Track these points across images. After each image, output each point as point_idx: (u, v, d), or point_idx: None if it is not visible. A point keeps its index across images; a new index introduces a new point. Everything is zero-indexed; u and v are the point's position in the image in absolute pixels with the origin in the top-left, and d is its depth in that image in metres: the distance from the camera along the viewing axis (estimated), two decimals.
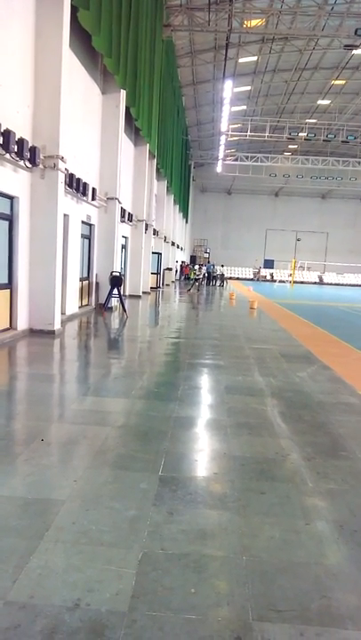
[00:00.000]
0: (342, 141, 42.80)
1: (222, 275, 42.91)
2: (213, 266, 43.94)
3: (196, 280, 33.65)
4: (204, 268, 42.57)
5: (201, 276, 36.27)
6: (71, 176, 12.75)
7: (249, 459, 4.81)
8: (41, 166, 10.61)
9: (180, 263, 46.74)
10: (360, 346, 12.14)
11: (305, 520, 3.70)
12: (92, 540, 3.27)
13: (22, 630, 2.48)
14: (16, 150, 9.55)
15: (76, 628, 2.49)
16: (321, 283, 66.10)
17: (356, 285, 64.83)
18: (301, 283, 62.77)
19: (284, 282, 58.83)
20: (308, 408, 6.69)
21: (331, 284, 64.85)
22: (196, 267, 45.47)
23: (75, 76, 13.25)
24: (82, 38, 13.46)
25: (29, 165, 10.34)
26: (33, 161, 10.24)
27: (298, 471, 4.59)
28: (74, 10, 11.56)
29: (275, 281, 60.96)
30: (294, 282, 55.96)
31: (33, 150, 10.19)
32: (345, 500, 4.07)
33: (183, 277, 45.99)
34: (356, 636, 2.58)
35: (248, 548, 3.29)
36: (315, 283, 65.74)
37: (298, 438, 5.48)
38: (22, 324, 10.76)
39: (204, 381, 8.05)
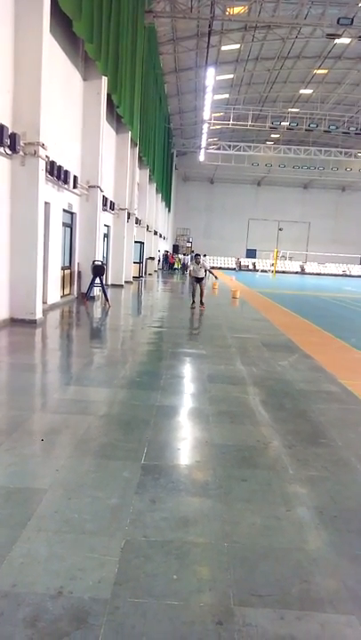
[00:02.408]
0: (324, 131, 42.97)
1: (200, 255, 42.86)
2: (198, 255, 43.93)
3: (184, 270, 32.74)
4: (187, 258, 42.57)
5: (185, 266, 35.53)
6: (52, 163, 12.60)
7: (231, 447, 4.85)
8: (21, 153, 10.47)
9: (162, 252, 46.62)
10: (341, 335, 12.26)
11: (286, 506, 3.75)
12: (75, 528, 3.28)
13: (5, 618, 2.48)
14: None
15: (58, 616, 2.50)
16: (303, 272, 66.48)
17: (338, 275, 65.34)
18: (283, 272, 63.06)
19: (266, 271, 59.05)
20: (290, 396, 6.75)
21: (312, 274, 65.25)
22: (181, 256, 45.34)
23: (55, 62, 13.06)
24: (62, 23, 13.25)
25: (9, 152, 10.19)
26: (13, 148, 10.09)
27: (279, 459, 4.64)
28: None
29: (257, 271, 61.16)
30: (276, 272, 56.20)
31: (13, 137, 10.04)
32: (325, 486, 4.13)
33: (167, 267, 45.86)
34: (336, 619, 2.63)
35: (230, 535, 3.33)
36: (296, 272, 66.09)
37: (279, 426, 5.53)
38: (3, 313, 10.66)
39: (187, 370, 8.07)
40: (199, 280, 15.98)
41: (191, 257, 42.36)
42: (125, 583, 2.78)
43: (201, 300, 15.89)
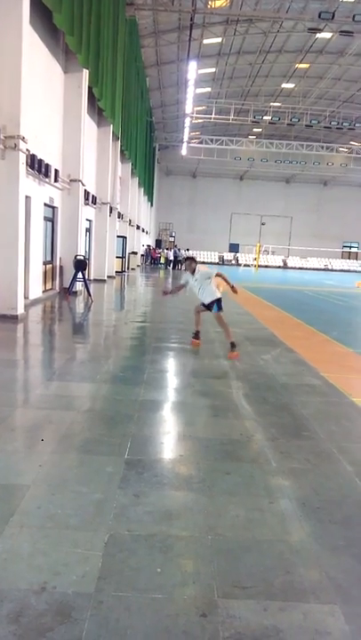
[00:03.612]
0: (306, 125, 43.12)
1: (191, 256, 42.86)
2: (179, 250, 43.84)
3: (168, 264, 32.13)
4: (170, 253, 42.52)
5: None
6: (33, 157, 12.47)
7: (214, 440, 4.87)
8: (1, 146, 10.34)
9: (145, 247, 46.49)
10: (323, 329, 12.35)
11: (269, 499, 3.78)
12: (58, 523, 3.27)
13: None
14: None
15: (42, 611, 2.50)
16: (285, 267, 66.83)
17: (319, 269, 65.78)
18: (266, 267, 63.30)
19: (248, 266, 59.22)
20: (273, 390, 6.79)
21: (295, 268, 65.62)
22: (165, 250, 45.23)
23: (36, 55, 12.90)
24: (43, 15, 13.09)
25: None
26: None
27: (262, 451, 4.67)
28: None
29: (240, 265, 61.31)
30: (259, 266, 56.40)
31: None
32: (308, 478, 4.16)
33: (150, 261, 45.72)
34: (318, 609, 2.66)
35: (213, 528, 3.34)
36: (279, 267, 66.41)
37: (262, 419, 5.56)
38: None
39: (170, 365, 8.07)
40: (211, 306, 8.67)
41: (174, 252, 42.18)
42: (109, 577, 2.78)
43: (231, 343, 8.50)
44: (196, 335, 9.17)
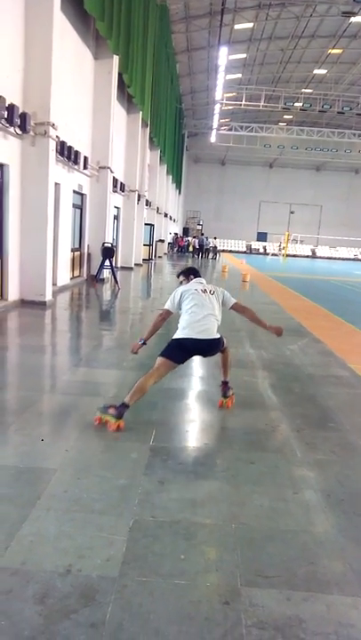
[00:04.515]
0: (338, 112, 42.24)
1: (215, 247, 42.72)
2: (207, 238, 43.68)
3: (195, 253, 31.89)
4: (196, 241, 42.37)
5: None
6: (62, 144, 12.52)
7: (239, 430, 4.86)
8: (31, 133, 10.40)
9: (173, 235, 46.42)
10: (351, 319, 12.19)
11: (293, 489, 3.76)
12: (84, 507, 3.31)
13: (14, 595, 2.52)
14: (6, 116, 9.34)
15: (67, 593, 2.54)
16: (314, 256, 66.00)
17: (349, 259, 64.80)
18: (294, 256, 62.61)
19: (276, 255, 58.68)
20: (299, 380, 6.75)
21: (323, 258, 64.76)
22: (191, 238, 45.12)
23: (66, 41, 12.90)
24: (74, 1, 13.07)
25: (19, 132, 10.13)
26: (23, 127, 10.03)
27: (287, 442, 4.65)
28: None
29: (267, 254, 60.80)
30: (287, 255, 55.85)
31: (23, 116, 9.97)
32: (333, 470, 4.13)
33: (177, 249, 45.67)
34: (341, 601, 2.65)
35: (237, 516, 3.35)
36: (307, 256, 65.59)
37: (288, 410, 5.53)
38: (13, 294, 10.69)
39: (195, 357, 8.06)
40: (211, 346, 5.06)
41: (199, 240, 41.87)
42: (133, 562, 2.81)
43: (225, 380, 5.61)
44: (225, 393, 5.53)
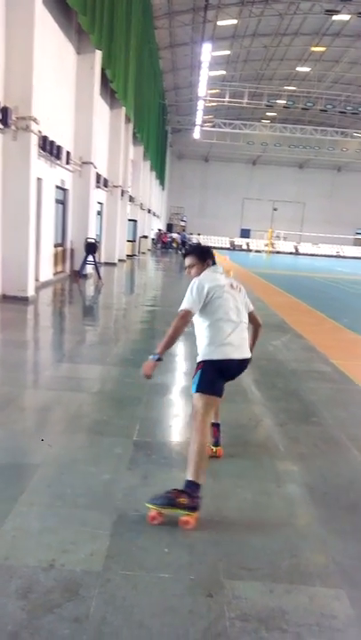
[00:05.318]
0: (321, 110, 42.53)
1: (199, 244, 42.74)
2: (190, 234, 43.64)
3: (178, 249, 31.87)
4: (178, 237, 42.37)
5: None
6: (44, 138, 12.42)
7: (223, 424, 4.84)
8: (13, 127, 10.29)
9: (156, 231, 46.31)
10: (333, 315, 12.29)
11: (276, 483, 3.79)
12: (67, 502, 3.30)
13: None
14: None
15: (50, 588, 2.53)
16: (297, 253, 66.30)
17: (331, 256, 65.24)
18: (277, 253, 62.84)
19: (260, 252, 58.88)
20: (282, 376, 6.78)
21: (306, 255, 65.08)
22: (175, 235, 45.07)
23: (48, 35, 12.78)
24: None
25: (1, 126, 10.02)
26: (5, 122, 9.93)
27: (270, 436, 4.68)
28: None
29: (251, 251, 60.98)
30: (270, 252, 56.06)
31: (4, 111, 9.87)
32: (316, 463, 4.16)
33: (160, 245, 45.60)
34: (324, 592, 2.67)
35: (221, 510, 3.36)
36: (291, 253, 65.87)
37: (271, 405, 5.56)
38: None
39: (180, 349, 8.07)
40: (229, 373, 3.60)
41: (182, 237, 41.82)
42: (117, 556, 2.80)
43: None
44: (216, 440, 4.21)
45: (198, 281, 3.56)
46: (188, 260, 3.83)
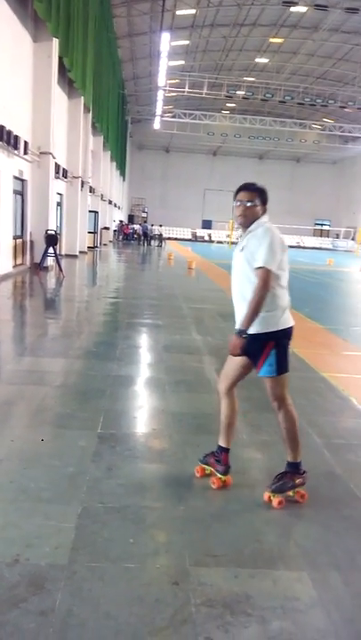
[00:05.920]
0: (280, 101, 42.87)
1: (160, 235, 42.67)
2: (152, 225, 43.49)
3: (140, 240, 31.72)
4: (140, 228, 42.20)
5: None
6: (1, 128, 12.16)
7: (187, 414, 4.91)
8: None
9: (118, 222, 45.98)
10: (294, 305, 12.21)
11: (241, 471, 3.83)
12: (31, 496, 3.27)
13: None
14: None
15: (15, 582, 2.51)
16: None
17: (292, 247, 66.00)
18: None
19: (221, 242, 59.15)
20: None
21: None
22: (137, 226, 44.85)
23: (3, 22, 12.47)
24: None
25: None
26: None
27: None
28: None
29: (212, 242, 61.20)
30: (232, 242, 56.36)
31: None
32: (277, 450, 4.22)
33: (122, 237, 45.30)
34: (287, 575, 2.74)
35: (185, 499, 3.39)
36: None
37: None
38: None
39: (143, 340, 8.07)
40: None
41: (142, 227, 41.71)
42: (83, 549, 2.80)
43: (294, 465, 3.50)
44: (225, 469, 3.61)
45: (276, 232, 3.10)
46: (246, 195, 3.24)
